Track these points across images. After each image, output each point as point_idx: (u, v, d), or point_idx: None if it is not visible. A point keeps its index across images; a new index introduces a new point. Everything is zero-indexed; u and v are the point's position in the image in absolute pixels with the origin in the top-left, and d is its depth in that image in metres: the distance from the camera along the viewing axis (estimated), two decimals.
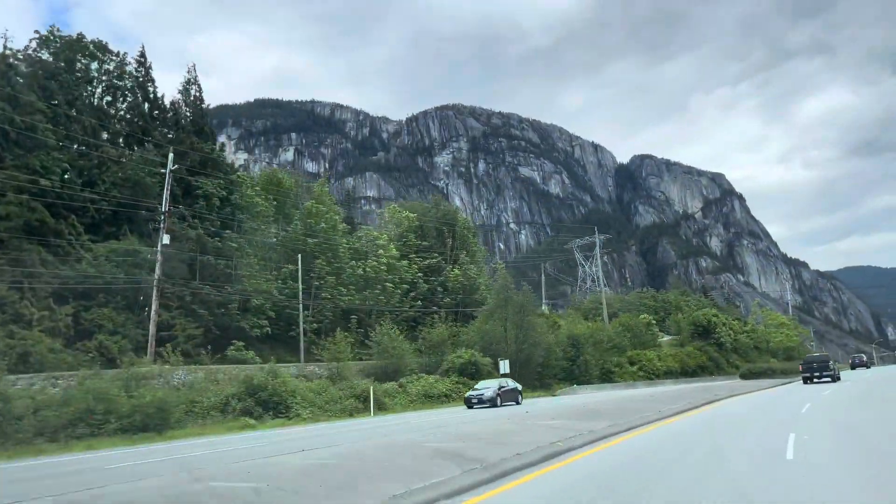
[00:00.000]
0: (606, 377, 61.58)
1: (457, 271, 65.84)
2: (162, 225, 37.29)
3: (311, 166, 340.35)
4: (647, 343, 74.47)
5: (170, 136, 49.91)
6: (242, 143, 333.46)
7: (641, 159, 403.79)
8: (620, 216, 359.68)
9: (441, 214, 72.94)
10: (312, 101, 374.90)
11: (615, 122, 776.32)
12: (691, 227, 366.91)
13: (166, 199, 37.78)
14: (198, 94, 54.47)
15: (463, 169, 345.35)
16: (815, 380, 50.15)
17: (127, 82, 50.54)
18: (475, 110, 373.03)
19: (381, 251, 59.73)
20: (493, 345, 51.97)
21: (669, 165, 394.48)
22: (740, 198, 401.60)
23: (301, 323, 46.70)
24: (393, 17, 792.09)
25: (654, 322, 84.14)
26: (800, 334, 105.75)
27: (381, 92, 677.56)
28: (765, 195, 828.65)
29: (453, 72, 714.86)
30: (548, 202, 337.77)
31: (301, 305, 47.40)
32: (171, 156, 39.23)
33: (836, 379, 51.21)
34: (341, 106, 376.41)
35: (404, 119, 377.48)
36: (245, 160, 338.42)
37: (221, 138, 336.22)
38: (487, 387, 37.72)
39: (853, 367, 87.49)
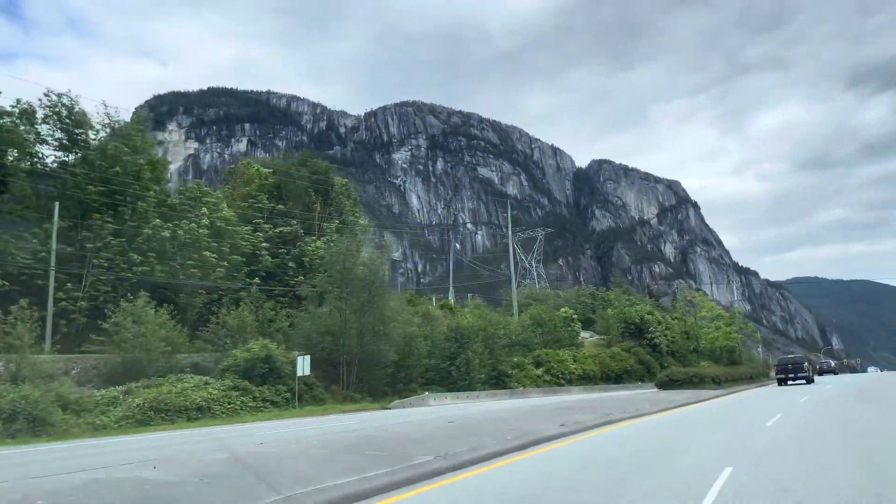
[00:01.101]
0: (500, 381, 49.60)
1: (319, 244, 50.92)
2: None
3: (264, 158, 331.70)
4: (563, 342, 62.83)
5: None
6: (193, 132, 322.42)
7: (599, 164, 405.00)
8: (577, 220, 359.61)
9: (311, 172, 57.28)
10: (268, 92, 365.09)
11: (575, 127, 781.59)
12: (647, 232, 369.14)
13: None
14: None
15: (421, 167, 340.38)
16: (790, 381, 51.60)
17: None
18: (435, 108, 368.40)
19: (204, 210, 45.32)
20: (328, 337, 39.55)
21: (627, 171, 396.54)
22: (695, 205, 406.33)
23: (51, 297, 34.88)
24: (357, 14, 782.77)
25: (575, 317, 71.49)
26: (741, 331, 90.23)
27: (341, 88, 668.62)
28: (719, 205, 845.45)
29: (416, 71, 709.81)
30: (505, 203, 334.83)
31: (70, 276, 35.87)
32: None
33: (810, 381, 51.83)
34: (298, 98, 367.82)
35: (363, 114, 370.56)
36: (196, 149, 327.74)
37: (172, 125, 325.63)
38: None
39: (820, 372, 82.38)
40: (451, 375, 45.92)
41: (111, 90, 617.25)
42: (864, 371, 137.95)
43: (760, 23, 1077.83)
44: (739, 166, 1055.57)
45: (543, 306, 73.39)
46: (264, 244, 49.43)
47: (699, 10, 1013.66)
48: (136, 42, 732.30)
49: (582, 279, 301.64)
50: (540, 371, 55.02)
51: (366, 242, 56.08)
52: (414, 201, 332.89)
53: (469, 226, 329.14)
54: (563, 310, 72.07)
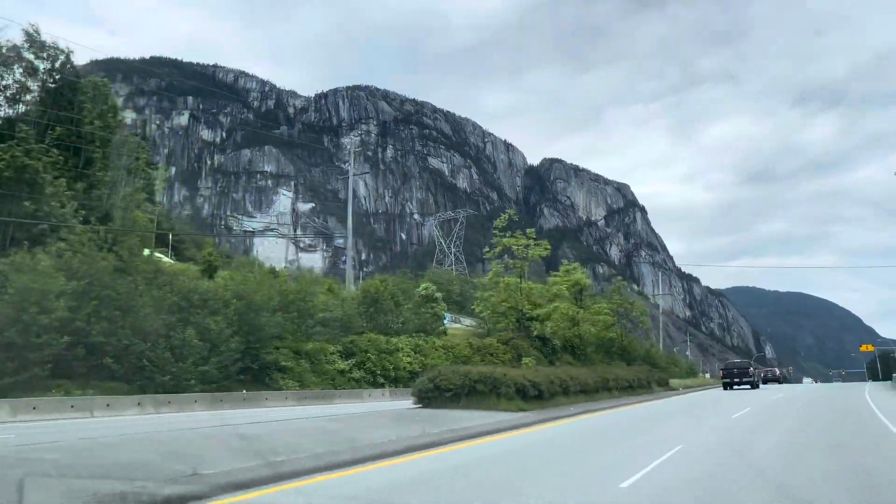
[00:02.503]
0: (261, 378, 33.54)
1: None
2: None
3: (206, 133, 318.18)
4: (427, 328, 49.58)
5: None
6: (131, 101, 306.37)
7: (551, 163, 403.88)
8: (525, 217, 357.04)
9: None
10: (215, 66, 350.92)
11: (530, 127, 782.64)
12: (593, 233, 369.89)
13: None
14: None
15: (370, 153, 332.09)
16: (735, 386, 51.94)
17: None
18: (388, 94, 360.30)
19: None
20: None
21: (577, 171, 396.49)
22: (643, 210, 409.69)
23: None
24: None
25: (438, 296, 56.85)
26: (625, 315, 63.59)
27: (296, 72, 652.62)
28: (667, 212, 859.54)
29: (374, 59, 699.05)
30: (454, 196, 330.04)
31: None
32: None
33: (755, 386, 53.23)
34: (246, 74, 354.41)
35: (313, 95, 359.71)
36: (133, 119, 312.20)
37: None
38: None
39: (765, 380, 75.98)
40: (149, 365, 28.00)
41: None
42: (799, 382, 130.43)
43: (714, 36, 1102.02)
44: (689, 175, 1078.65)
45: (390, 278, 59.31)
46: None
47: (657, 19, 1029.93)
48: (85, 9, 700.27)
49: (527, 275, 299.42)
50: (348, 364, 38.63)
51: None
52: (361, 188, 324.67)
53: (416, 216, 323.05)
54: (423, 286, 58.65)
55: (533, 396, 26.18)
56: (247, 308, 33.09)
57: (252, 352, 32.76)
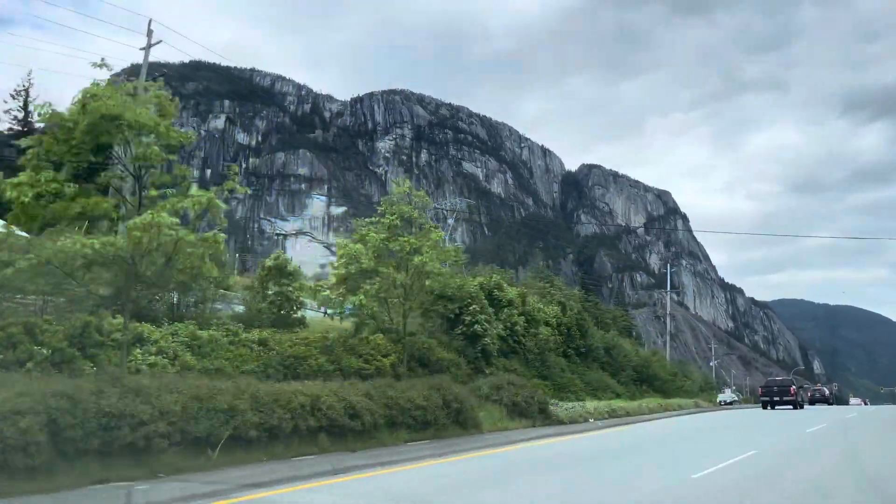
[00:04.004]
0: None
1: None
2: None
3: (242, 137, 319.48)
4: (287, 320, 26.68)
5: None
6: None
7: (589, 168, 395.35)
8: (562, 223, 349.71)
9: None
10: (252, 70, 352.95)
11: (568, 135, 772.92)
12: (632, 241, 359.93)
13: None
14: None
15: (404, 157, 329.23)
16: (777, 406, 48.08)
17: None
18: (423, 98, 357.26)
19: None
20: None
21: (616, 177, 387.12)
22: (684, 217, 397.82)
23: None
24: (357, 3, 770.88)
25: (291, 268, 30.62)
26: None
27: (333, 78, 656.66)
28: (708, 222, 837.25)
29: (413, 65, 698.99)
30: (488, 201, 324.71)
31: None
32: None
33: (798, 406, 48.41)
34: (283, 78, 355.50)
35: (349, 100, 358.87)
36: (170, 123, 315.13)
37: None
38: None
39: (812, 401, 67.74)
40: None
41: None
42: (845, 401, 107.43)
43: (759, 43, 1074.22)
44: (730, 185, 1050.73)
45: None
46: None
47: (699, 25, 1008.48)
48: (130, 19, 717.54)
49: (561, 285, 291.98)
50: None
51: None
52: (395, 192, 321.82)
53: (450, 221, 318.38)
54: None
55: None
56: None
57: None
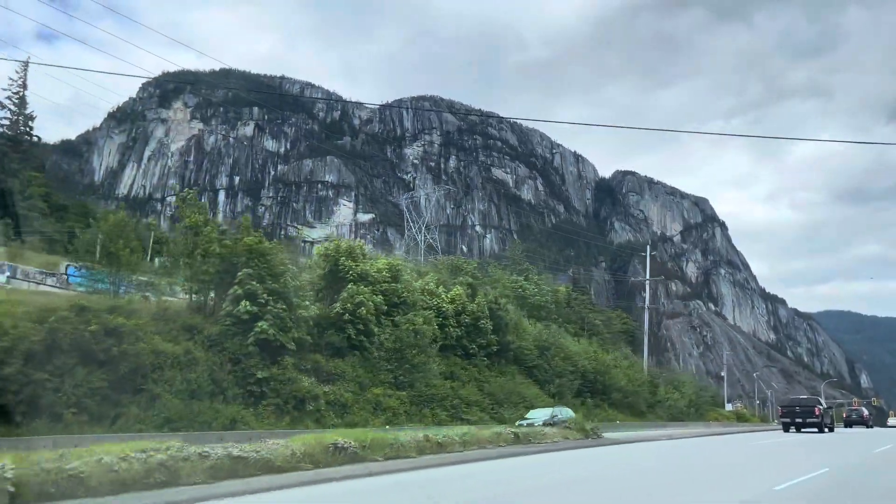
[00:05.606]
0: None
1: None
2: None
3: (271, 144, 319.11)
4: None
5: None
6: (199, 112, 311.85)
7: (623, 175, 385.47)
8: (595, 230, 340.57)
9: None
10: (282, 77, 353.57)
11: (603, 142, 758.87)
12: (668, 249, 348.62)
13: None
14: None
15: (433, 163, 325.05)
16: (802, 428, 42.24)
17: None
18: (453, 104, 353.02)
19: None
20: None
21: (652, 184, 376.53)
22: (723, 225, 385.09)
23: None
24: (393, 15, 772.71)
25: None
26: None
27: (364, 87, 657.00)
28: (748, 232, 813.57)
29: (447, 75, 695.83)
30: (518, 207, 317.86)
31: None
32: None
33: (826, 429, 42.48)
34: (312, 85, 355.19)
35: (378, 106, 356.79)
36: (200, 129, 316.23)
37: (177, 104, 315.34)
38: None
39: (848, 423, 61.83)
40: None
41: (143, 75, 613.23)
42: (885, 417, 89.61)
43: (802, 48, 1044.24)
44: (772, 194, 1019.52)
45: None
46: None
47: (739, 31, 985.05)
48: (173, 31, 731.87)
49: (592, 291, 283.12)
50: None
51: None
52: (422, 199, 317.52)
53: (478, 228, 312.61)
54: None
55: None
56: None
57: None
